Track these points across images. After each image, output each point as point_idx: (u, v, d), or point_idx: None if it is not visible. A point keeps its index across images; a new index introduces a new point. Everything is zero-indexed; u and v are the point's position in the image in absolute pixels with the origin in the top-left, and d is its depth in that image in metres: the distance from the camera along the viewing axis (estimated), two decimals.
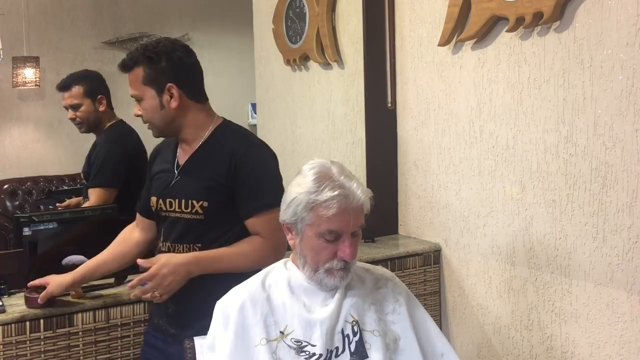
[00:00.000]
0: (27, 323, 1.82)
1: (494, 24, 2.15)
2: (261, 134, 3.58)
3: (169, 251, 1.76)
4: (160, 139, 1.90)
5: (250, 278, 1.60)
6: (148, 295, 1.66)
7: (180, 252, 1.74)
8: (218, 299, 1.61)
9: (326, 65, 2.98)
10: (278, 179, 1.79)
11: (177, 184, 1.78)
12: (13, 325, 1.80)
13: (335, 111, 2.99)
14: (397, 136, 2.64)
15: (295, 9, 3.08)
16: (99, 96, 2.62)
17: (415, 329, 1.58)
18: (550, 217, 2.02)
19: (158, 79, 1.71)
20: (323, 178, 1.48)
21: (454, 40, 2.30)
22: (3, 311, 1.82)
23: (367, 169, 2.66)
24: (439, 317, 2.48)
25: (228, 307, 1.51)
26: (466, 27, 2.23)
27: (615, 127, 1.81)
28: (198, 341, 1.63)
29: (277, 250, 1.76)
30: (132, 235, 1.92)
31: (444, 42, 2.32)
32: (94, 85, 2.65)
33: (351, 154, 2.85)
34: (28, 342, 1.82)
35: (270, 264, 1.74)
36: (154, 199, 1.82)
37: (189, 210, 1.74)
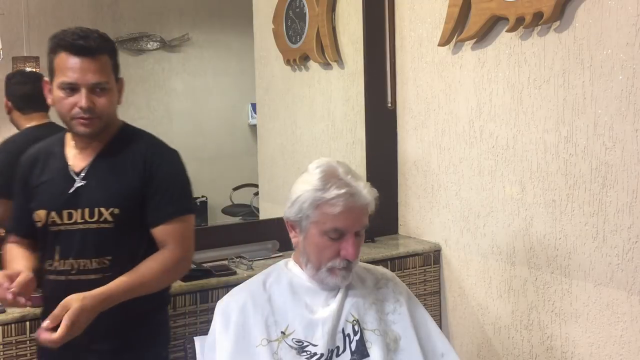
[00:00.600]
0: (27, 323, 1.81)
1: (494, 24, 2.15)
2: (261, 134, 3.58)
3: (71, 269, 1.58)
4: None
5: (251, 278, 1.60)
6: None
7: (86, 268, 1.58)
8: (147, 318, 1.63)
9: (326, 65, 2.98)
10: (190, 184, 1.69)
11: (79, 192, 1.59)
12: (13, 325, 1.80)
13: (335, 111, 2.99)
14: (397, 136, 2.64)
15: (295, 9, 3.08)
16: (4, 99, 2.58)
17: (415, 328, 1.58)
18: (550, 217, 2.02)
19: (117, 71, 1.62)
20: (329, 176, 1.49)
21: (454, 40, 2.30)
22: (3, 311, 1.82)
23: (367, 169, 2.66)
24: (439, 317, 2.48)
25: (229, 307, 1.51)
26: (466, 27, 2.23)
27: (615, 127, 1.81)
28: (198, 341, 1.63)
29: (187, 260, 1.66)
30: (25, 251, 1.65)
31: (444, 42, 2.32)
32: (5, 88, 2.62)
33: (351, 154, 2.85)
34: (28, 342, 1.82)
35: (181, 276, 1.72)
36: (41, 212, 1.60)
37: (94, 219, 1.58)
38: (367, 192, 1.50)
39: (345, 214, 1.46)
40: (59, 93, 1.55)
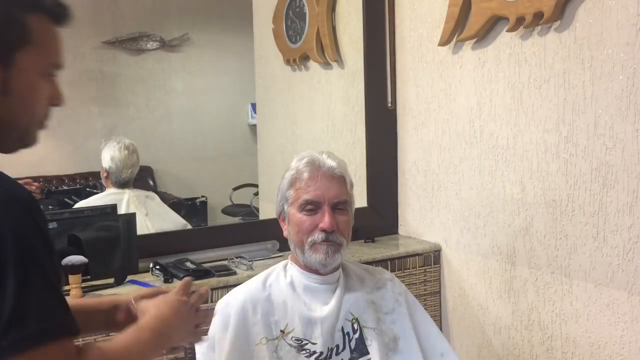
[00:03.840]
0: None
1: (494, 23, 2.14)
2: (261, 134, 3.58)
3: None
4: None
5: (251, 279, 1.60)
6: None
7: None
8: None
9: (326, 65, 2.98)
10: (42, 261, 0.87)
11: None
12: None
13: (335, 111, 2.99)
14: (397, 136, 2.64)
15: (295, 9, 3.08)
16: None
17: (415, 329, 1.58)
18: (551, 217, 2.02)
19: None
20: (302, 157, 1.55)
21: (454, 40, 2.30)
22: None
23: (367, 169, 2.66)
24: (439, 317, 2.48)
25: (228, 306, 1.51)
26: (466, 27, 2.23)
27: (616, 127, 1.81)
28: None
29: None
30: None
31: (444, 42, 2.32)
32: None
33: (351, 154, 2.84)
34: None
35: None
36: None
37: None
38: (331, 160, 1.54)
39: (312, 182, 1.50)
40: None
